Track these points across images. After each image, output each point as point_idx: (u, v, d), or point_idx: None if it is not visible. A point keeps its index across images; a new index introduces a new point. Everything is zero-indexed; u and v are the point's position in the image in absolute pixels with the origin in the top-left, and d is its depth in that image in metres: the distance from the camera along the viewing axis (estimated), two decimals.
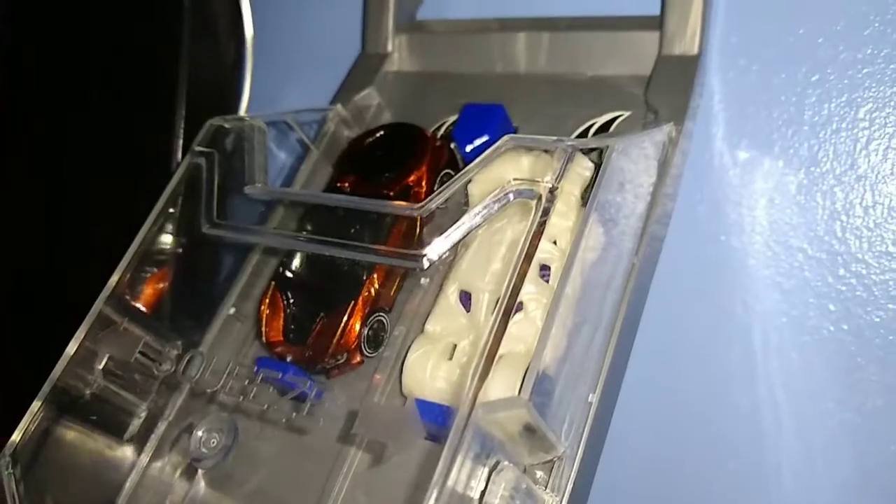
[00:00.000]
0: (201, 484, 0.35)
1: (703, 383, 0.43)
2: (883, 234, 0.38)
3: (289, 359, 0.37)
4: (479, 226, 0.30)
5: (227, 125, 0.38)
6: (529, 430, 0.26)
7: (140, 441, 0.38)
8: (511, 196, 0.29)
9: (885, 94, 0.38)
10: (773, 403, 0.41)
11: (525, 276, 0.28)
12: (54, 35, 0.49)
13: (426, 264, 0.29)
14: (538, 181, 0.29)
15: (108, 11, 0.47)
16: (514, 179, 0.29)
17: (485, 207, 0.29)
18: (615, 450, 0.35)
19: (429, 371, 0.33)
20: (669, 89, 0.38)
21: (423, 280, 0.39)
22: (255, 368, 0.33)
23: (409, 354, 0.34)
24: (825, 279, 0.40)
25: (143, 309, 0.38)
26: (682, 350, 0.43)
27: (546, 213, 0.28)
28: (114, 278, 0.36)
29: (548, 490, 0.29)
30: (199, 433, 0.33)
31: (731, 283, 0.42)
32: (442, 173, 0.41)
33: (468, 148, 0.41)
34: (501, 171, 0.34)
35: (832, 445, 0.40)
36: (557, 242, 0.34)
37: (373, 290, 0.37)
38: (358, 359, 0.36)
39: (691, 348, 0.43)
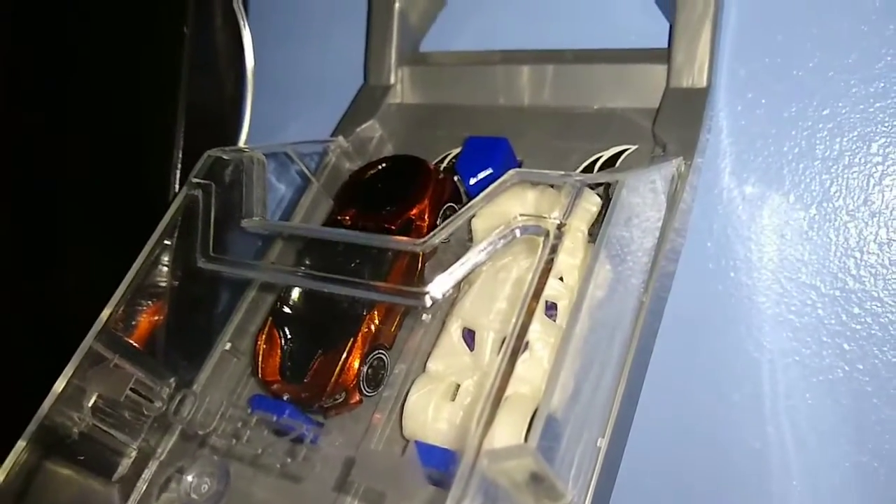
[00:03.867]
0: None
1: (712, 424, 0.41)
2: None
3: (285, 397, 0.35)
4: (483, 262, 0.29)
5: (225, 157, 0.37)
6: (536, 478, 0.25)
7: (129, 482, 0.36)
8: (518, 232, 0.28)
9: None
10: (784, 445, 0.40)
11: (533, 314, 0.27)
12: (54, 63, 0.48)
13: (429, 302, 0.28)
14: (545, 217, 0.28)
15: (109, 40, 0.47)
16: (521, 215, 0.28)
17: (490, 244, 0.28)
18: (624, 493, 0.33)
19: (430, 413, 0.32)
20: (678, 123, 0.38)
21: (424, 316, 0.38)
22: (250, 409, 0.32)
23: (410, 395, 0.33)
24: (839, 317, 0.39)
25: (136, 344, 0.37)
26: (691, 390, 0.42)
27: (554, 249, 0.27)
28: (105, 312, 0.35)
29: None
30: (190, 478, 0.32)
31: (742, 320, 0.41)
32: (445, 207, 0.40)
33: (472, 181, 0.40)
34: (506, 206, 0.33)
35: (845, 488, 0.38)
36: (564, 279, 0.33)
37: (373, 327, 0.36)
38: (357, 398, 0.35)
39: (700, 388, 0.41)
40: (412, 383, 0.34)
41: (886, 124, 0.37)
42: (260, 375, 0.37)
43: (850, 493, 0.38)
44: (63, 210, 0.47)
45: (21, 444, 0.32)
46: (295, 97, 0.52)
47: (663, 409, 0.41)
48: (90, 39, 0.47)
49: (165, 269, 0.39)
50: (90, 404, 0.34)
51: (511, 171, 0.30)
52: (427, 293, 0.28)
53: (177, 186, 0.44)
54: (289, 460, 0.30)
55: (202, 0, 0.45)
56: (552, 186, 0.36)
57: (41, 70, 0.49)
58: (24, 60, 0.48)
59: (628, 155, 0.39)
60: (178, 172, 0.44)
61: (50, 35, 0.48)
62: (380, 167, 0.42)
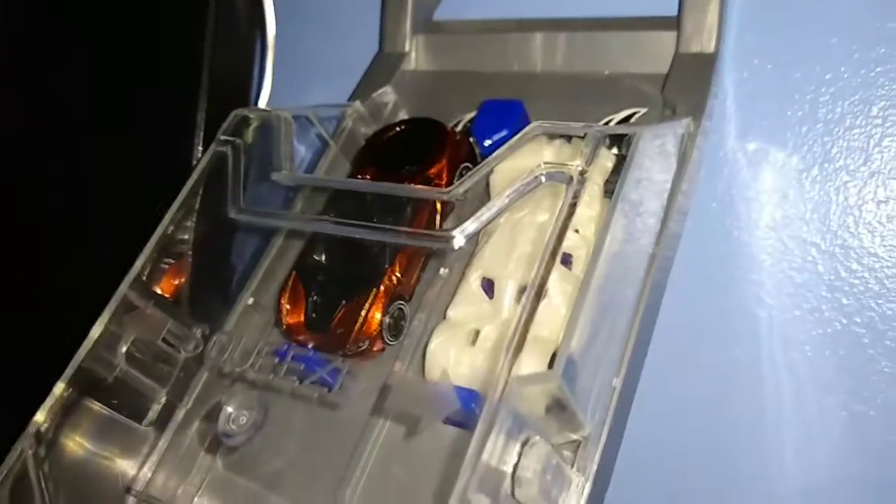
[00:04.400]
0: (223, 463, 0.35)
1: (716, 374, 0.43)
2: (895, 229, 0.39)
3: (310, 345, 0.37)
4: (507, 208, 0.30)
5: (251, 115, 0.38)
6: (560, 405, 0.27)
7: (160, 426, 0.38)
8: (542, 178, 0.30)
9: None
10: (785, 394, 0.41)
11: (555, 259, 0.28)
12: (78, 29, 0.49)
13: (457, 245, 0.30)
14: (569, 164, 0.29)
15: (132, 8, 0.48)
16: (545, 163, 0.30)
17: (515, 190, 0.30)
18: (632, 436, 0.35)
19: (452, 357, 0.34)
20: (687, 86, 0.39)
21: (441, 269, 0.39)
22: (285, 347, 0.33)
23: (431, 340, 0.34)
24: (838, 273, 0.40)
25: (166, 294, 0.38)
26: (696, 342, 0.43)
27: (576, 195, 0.29)
28: (138, 263, 0.36)
29: (574, 470, 0.29)
30: (229, 410, 0.33)
31: (745, 277, 0.42)
32: (461, 167, 0.41)
33: (487, 142, 0.42)
34: (524, 161, 0.35)
35: (844, 436, 0.40)
36: (580, 231, 0.34)
37: (394, 279, 0.37)
38: (379, 346, 0.37)
39: (705, 340, 0.43)
40: (433, 330, 0.35)
41: (886, 87, 0.39)
42: (285, 325, 0.38)
43: (845, 439, 0.40)
44: (89, 173, 0.48)
45: (60, 385, 0.33)
46: (312, 64, 0.54)
47: (669, 362, 0.43)
48: (117, 8, 0.48)
49: (190, 223, 0.40)
50: (123, 351, 0.36)
51: (534, 123, 0.31)
52: (454, 236, 0.30)
53: (200, 148, 0.46)
54: (325, 391, 0.32)
55: None
56: (569, 143, 0.37)
57: (68, 39, 0.50)
58: (45, 29, 0.49)
59: (639, 118, 0.41)
60: (202, 134, 0.45)
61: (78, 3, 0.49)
62: (398, 129, 0.43)
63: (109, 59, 0.48)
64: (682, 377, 0.44)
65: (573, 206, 0.28)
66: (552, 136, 0.36)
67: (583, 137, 0.30)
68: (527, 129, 0.31)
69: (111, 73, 0.48)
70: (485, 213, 0.30)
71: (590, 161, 0.29)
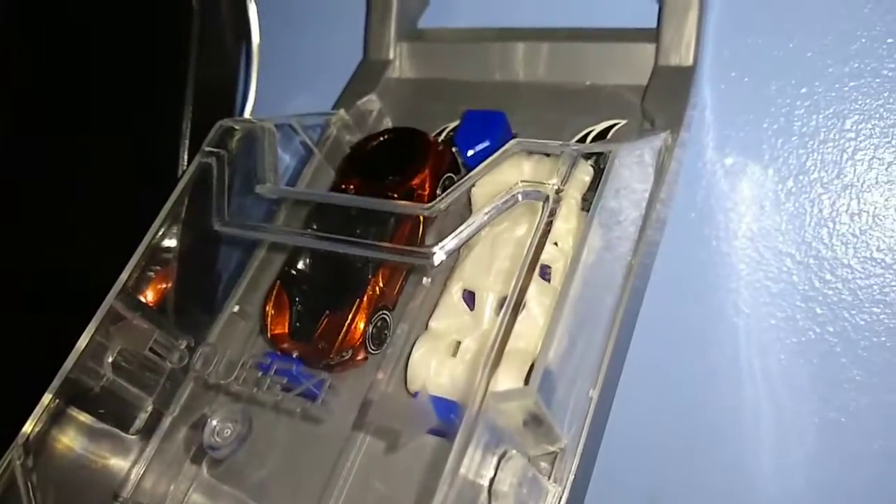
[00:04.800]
0: (209, 472, 0.36)
1: (693, 382, 0.44)
2: (868, 241, 0.40)
3: (294, 354, 0.37)
4: (486, 224, 0.31)
5: (236, 126, 0.39)
6: (536, 420, 0.27)
7: (146, 434, 0.38)
8: (520, 196, 0.30)
9: (871, 107, 0.40)
10: (761, 401, 0.42)
11: (532, 274, 0.29)
12: (61, 36, 0.50)
13: (437, 261, 0.30)
14: (545, 183, 0.30)
15: (119, 15, 0.48)
16: (522, 182, 0.31)
17: (494, 207, 0.31)
18: (611, 442, 0.36)
19: (433, 367, 0.34)
20: (665, 99, 0.40)
21: (424, 280, 0.40)
22: (269, 360, 0.34)
23: (414, 351, 0.35)
24: (812, 283, 0.41)
25: (151, 304, 0.39)
26: (675, 350, 0.44)
27: (553, 213, 0.29)
28: (124, 274, 0.37)
29: (551, 481, 0.30)
30: (214, 423, 0.34)
31: (722, 286, 0.43)
32: (444, 177, 0.42)
33: (469, 153, 0.42)
34: (504, 175, 0.35)
35: (817, 442, 0.41)
36: (558, 244, 0.35)
37: (377, 289, 0.38)
38: (362, 355, 0.37)
39: (683, 348, 0.44)
40: (415, 341, 0.36)
41: (859, 102, 0.40)
42: (269, 334, 0.39)
43: (818, 445, 0.41)
44: (74, 180, 0.49)
45: (47, 396, 0.34)
46: (297, 71, 0.54)
47: (647, 369, 0.44)
48: (101, 15, 0.48)
49: (175, 234, 0.40)
50: (110, 360, 0.36)
51: (513, 141, 0.32)
52: (435, 252, 0.30)
53: (185, 156, 0.46)
54: (309, 404, 0.33)
55: None
56: (548, 156, 0.38)
57: (46, 44, 0.50)
58: (28, 35, 0.49)
59: (618, 129, 0.42)
60: (188, 143, 0.46)
61: (56, 9, 0.49)
62: (381, 139, 0.43)
63: (94, 67, 0.49)
64: (660, 382, 0.45)
65: (549, 223, 0.29)
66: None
67: (559, 155, 0.31)
68: (506, 146, 0.32)
69: (96, 81, 0.49)
70: (464, 231, 0.30)
71: (565, 180, 0.30)
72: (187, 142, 0.46)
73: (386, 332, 0.38)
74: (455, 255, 0.37)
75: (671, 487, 0.45)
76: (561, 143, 0.31)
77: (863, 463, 0.41)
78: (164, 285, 0.41)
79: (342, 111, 0.47)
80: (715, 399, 0.44)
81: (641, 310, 0.38)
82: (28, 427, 0.33)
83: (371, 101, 0.48)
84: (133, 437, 0.38)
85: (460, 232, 0.30)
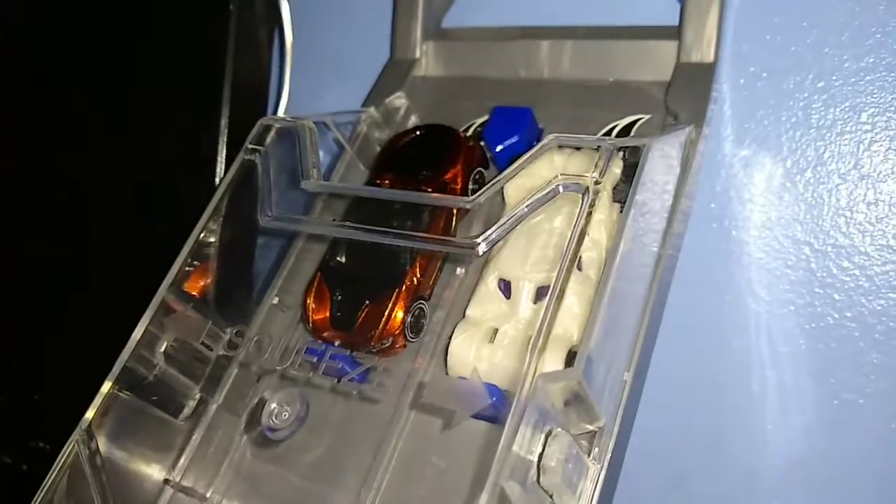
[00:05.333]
0: (252, 455, 0.38)
1: (717, 367, 0.46)
2: (884, 229, 0.41)
3: (336, 343, 0.39)
4: (527, 216, 0.32)
5: (277, 124, 0.40)
6: (579, 399, 0.29)
7: (194, 421, 0.40)
8: (560, 189, 0.32)
9: (886, 100, 0.41)
10: (782, 385, 0.44)
11: (574, 263, 0.31)
12: (103, 36, 0.51)
13: (481, 251, 0.32)
14: (584, 176, 0.32)
15: (161, 18, 0.50)
16: (562, 175, 0.32)
17: (535, 199, 0.32)
18: (638, 426, 0.37)
19: (472, 353, 0.36)
20: (688, 94, 0.41)
21: (458, 270, 0.41)
22: (323, 347, 0.35)
23: (453, 338, 0.37)
24: (830, 270, 0.43)
25: (197, 296, 0.41)
26: (698, 336, 0.46)
27: (592, 204, 0.31)
28: (174, 268, 0.38)
29: (591, 458, 0.31)
30: (273, 406, 0.36)
31: (742, 274, 0.45)
32: (475, 171, 0.43)
33: (498, 148, 0.44)
34: (535, 169, 0.37)
35: (837, 423, 0.43)
36: (590, 234, 0.37)
37: (415, 280, 0.39)
38: (401, 343, 0.39)
39: (707, 334, 0.46)
40: (453, 329, 0.37)
41: (875, 95, 0.41)
42: (311, 323, 0.40)
43: (838, 426, 0.43)
44: (120, 177, 0.50)
45: (107, 384, 0.36)
46: (327, 69, 0.56)
47: (671, 357, 0.45)
48: (143, 18, 0.50)
49: (217, 228, 0.42)
50: (162, 350, 0.38)
51: (550, 136, 0.33)
52: (479, 244, 0.32)
53: (224, 153, 0.48)
54: (364, 387, 0.34)
55: None
56: (577, 150, 0.39)
57: (91, 46, 0.52)
58: (80, 37, 0.51)
59: (642, 124, 0.43)
60: (226, 140, 0.48)
61: (97, 10, 0.51)
62: (414, 135, 0.45)
63: (136, 68, 0.50)
64: (684, 368, 0.46)
65: (589, 215, 0.31)
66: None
67: (596, 149, 0.32)
68: (543, 141, 0.33)
69: (139, 81, 0.50)
70: (507, 222, 0.32)
71: (604, 172, 0.31)
72: (225, 139, 0.47)
73: (423, 320, 0.40)
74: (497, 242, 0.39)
75: (695, 469, 0.47)
76: (597, 137, 0.32)
77: (881, 443, 0.42)
78: (205, 276, 0.42)
79: (372, 109, 0.49)
80: (737, 384, 0.45)
81: (669, 298, 0.39)
82: (90, 413, 0.35)
83: (399, 99, 0.50)
84: (182, 423, 0.40)
85: (503, 223, 0.32)
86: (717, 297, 0.45)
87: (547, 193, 0.32)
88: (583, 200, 0.31)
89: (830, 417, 0.43)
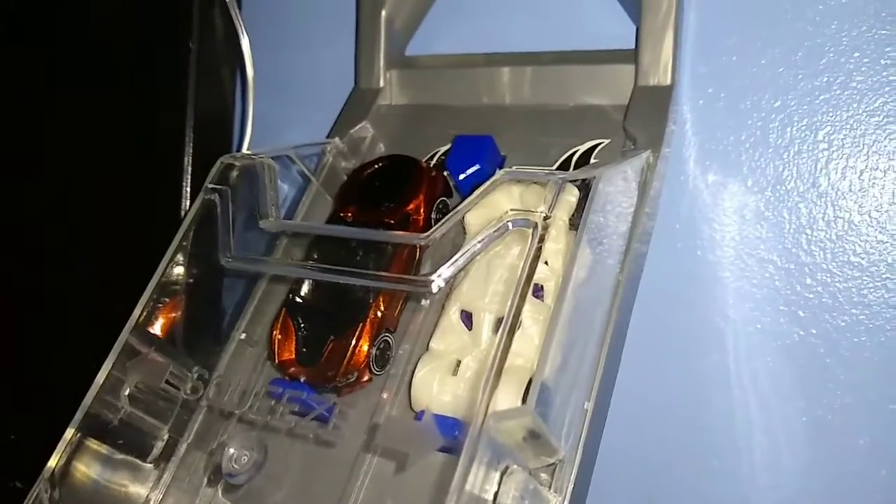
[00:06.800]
0: (224, 495, 0.38)
1: (684, 387, 0.46)
2: (845, 246, 0.42)
3: (302, 379, 0.39)
4: (479, 252, 0.33)
5: (237, 163, 0.41)
6: (534, 435, 0.29)
7: (163, 462, 0.40)
8: (510, 225, 0.32)
9: (842, 118, 0.42)
10: (750, 404, 0.44)
11: (525, 297, 0.31)
12: (63, 75, 0.51)
13: (435, 289, 0.32)
14: (533, 211, 0.32)
15: (122, 58, 0.50)
16: (511, 210, 0.32)
17: (486, 236, 0.32)
18: (607, 451, 0.37)
19: (436, 386, 0.36)
20: (646, 118, 0.42)
21: (424, 302, 0.41)
22: (280, 390, 0.35)
23: (416, 371, 0.37)
24: (794, 288, 0.43)
25: (162, 337, 0.41)
26: (665, 357, 0.46)
27: (541, 239, 0.31)
28: (137, 310, 0.38)
29: (551, 491, 0.31)
30: (231, 451, 0.36)
31: (708, 294, 0.45)
32: (438, 201, 0.44)
33: (461, 176, 0.44)
34: (495, 199, 0.37)
35: (806, 440, 0.43)
36: (549, 263, 0.37)
37: (379, 313, 0.40)
38: (367, 377, 0.39)
39: (673, 355, 0.46)
40: (417, 361, 0.38)
41: (830, 114, 0.42)
42: (277, 360, 0.40)
43: (807, 443, 0.43)
44: (82, 215, 0.50)
45: (70, 431, 0.36)
46: (293, 99, 0.56)
47: (640, 377, 0.46)
48: (107, 58, 0.50)
49: (181, 267, 0.42)
50: (126, 393, 0.38)
51: (500, 172, 0.34)
52: (433, 281, 0.32)
53: (188, 190, 0.48)
54: (321, 430, 0.34)
55: (204, 15, 0.49)
56: (536, 182, 0.40)
57: (49, 86, 0.52)
58: (41, 75, 0.51)
59: (602, 148, 0.43)
60: (189, 177, 0.48)
61: (55, 50, 0.51)
62: (376, 166, 0.45)
63: (96, 103, 0.50)
64: (653, 389, 0.46)
65: (539, 249, 0.31)
66: None
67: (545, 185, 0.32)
68: (494, 177, 0.34)
69: (98, 116, 0.50)
70: (459, 259, 0.32)
71: (552, 207, 0.32)
72: (189, 176, 0.48)
73: (389, 353, 0.40)
74: (453, 277, 0.39)
75: (668, 491, 0.47)
76: (547, 171, 0.33)
77: (850, 458, 0.42)
78: (173, 316, 0.42)
79: (337, 139, 0.49)
80: (706, 403, 0.45)
81: (634, 320, 0.40)
82: (53, 461, 0.35)
83: (364, 129, 0.50)
84: (150, 465, 0.40)
85: (456, 260, 0.32)
86: (683, 316, 0.46)
87: (497, 230, 0.32)
88: (532, 235, 0.31)
89: (800, 435, 0.43)
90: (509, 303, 0.31)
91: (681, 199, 0.45)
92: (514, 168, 0.44)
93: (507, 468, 0.28)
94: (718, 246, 0.45)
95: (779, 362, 0.43)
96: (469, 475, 0.27)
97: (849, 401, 0.42)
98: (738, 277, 0.44)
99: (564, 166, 0.43)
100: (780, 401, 0.43)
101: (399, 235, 0.37)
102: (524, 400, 0.31)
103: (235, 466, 0.36)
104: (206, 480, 0.39)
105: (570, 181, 0.35)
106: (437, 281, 0.32)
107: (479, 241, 0.32)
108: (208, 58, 0.50)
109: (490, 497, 0.28)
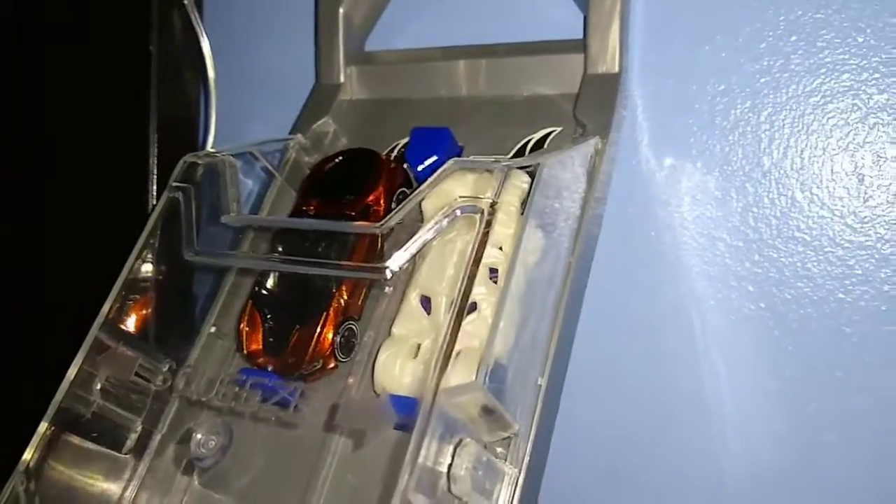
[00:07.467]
0: (199, 482, 0.39)
1: (646, 363, 0.47)
2: (788, 222, 0.43)
3: (270, 368, 0.40)
4: (432, 239, 0.34)
5: (199, 161, 0.42)
6: (487, 410, 0.31)
7: (138, 452, 0.41)
8: (458, 212, 0.34)
9: (782, 100, 0.43)
10: (712, 375, 0.46)
11: (474, 279, 0.32)
12: (25, 83, 0.52)
13: (389, 275, 0.34)
14: (480, 198, 0.33)
15: (84, 65, 0.51)
16: (460, 197, 0.34)
17: (436, 223, 0.34)
18: (569, 425, 0.39)
19: (397, 369, 0.38)
20: (594, 105, 0.43)
21: (387, 289, 0.43)
22: (244, 377, 0.37)
23: (378, 356, 0.38)
24: (743, 264, 0.45)
25: (132, 332, 0.42)
26: (627, 335, 0.48)
27: (488, 224, 0.33)
28: (106, 306, 0.39)
29: (507, 463, 0.33)
30: (199, 436, 0.37)
31: (664, 273, 0.47)
32: (398, 192, 0.45)
33: (420, 168, 0.45)
34: (450, 187, 0.39)
35: (764, 408, 0.45)
36: (503, 248, 0.38)
37: (342, 301, 0.41)
38: (333, 364, 0.40)
39: (634, 333, 0.47)
40: (380, 347, 0.39)
41: (770, 96, 0.43)
42: (245, 351, 0.42)
43: (763, 412, 0.45)
44: (53, 217, 0.51)
45: (43, 425, 0.37)
46: (255, 97, 0.57)
47: (603, 360, 0.47)
48: (68, 65, 0.51)
49: (150, 264, 0.43)
50: (98, 387, 0.39)
51: (450, 161, 0.35)
52: (387, 267, 0.34)
53: (154, 190, 0.49)
54: (282, 413, 0.36)
55: (164, 18, 0.50)
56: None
57: (23, 97, 0.53)
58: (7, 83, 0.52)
59: (555, 136, 0.45)
60: (155, 177, 0.49)
61: (16, 58, 0.52)
62: (337, 160, 0.46)
63: (58, 112, 0.51)
64: (615, 364, 0.48)
65: (486, 234, 0.32)
66: None
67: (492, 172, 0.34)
68: (444, 166, 0.35)
69: (67, 124, 0.51)
70: (412, 245, 0.34)
71: (498, 193, 0.33)
72: (155, 176, 0.49)
73: (353, 340, 0.41)
74: (412, 264, 0.40)
75: (631, 465, 0.49)
76: (493, 160, 0.34)
77: (801, 426, 0.44)
78: (143, 312, 0.43)
79: (299, 135, 0.50)
80: (668, 378, 0.47)
81: (591, 299, 0.41)
82: (28, 455, 0.36)
83: (326, 124, 0.51)
84: (126, 456, 0.41)
85: (408, 247, 0.34)
86: (642, 295, 0.47)
87: (447, 215, 0.34)
88: (480, 221, 0.33)
89: (759, 402, 0.45)
90: (458, 286, 0.32)
91: (634, 183, 0.47)
92: (470, 157, 0.46)
93: (460, 441, 0.30)
94: (672, 227, 0.46)
95: (734, 336, 0.45)
96: (422, 449, 0.28)
97: (798, 371, 0.44)
98: (692, 256, 0.46)
99: (519, 154, 0.45)
100: (735, 373, 0.45)
101: (356, 226, 0.38)
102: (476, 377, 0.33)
103: (203, 451, 0.37)
104: (180, 469, 0.41)
105: (519, 168, 0.37)
106: (391, 267, 0.34)
107: (430, 229, 0.34)
108: (170, 60, 0.51)
109: (444, 469, 0.29)
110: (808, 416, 0.44)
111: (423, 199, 0.39)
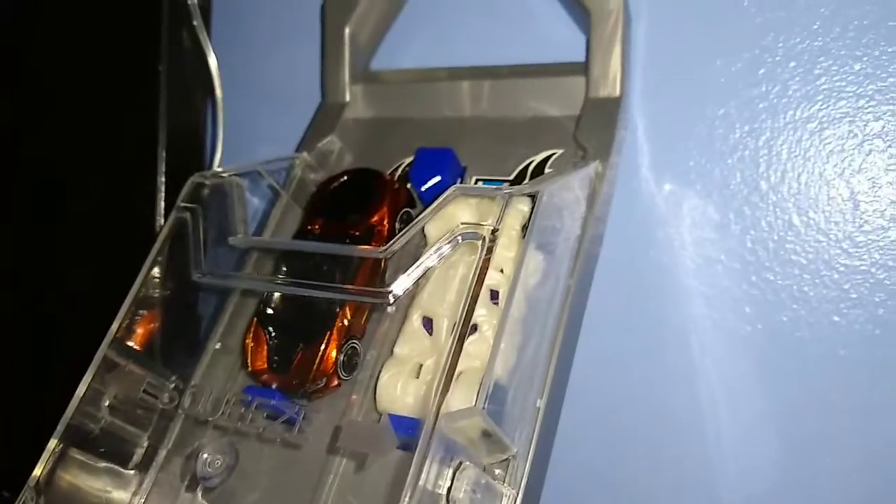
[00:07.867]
0: (203, 499, 0.40)
1: (643, 383, 0.48)
2: (785, 246, 0.44)
3: (274, 386, 0.41)
4: (433, 265, 0.35)
5: (206, 182, 0.43)
6: (486, 434, 0.31)
7: (144, 468, 0.42)
8: (459, 239, 0.34)
9: (780, 125, 0.44)
10: (709, 396, 0.46)
11: (475, 302, 0.33)
12: (35, 102, 0.53)
13: (392, 300, 0.34)
14: (482, 224, 0.34)
15: (93, 83, 0.52)
16: (462, 224, 0.35)
17: (438, 249, 0.35)
18: (568, 448, 0.40)
19: (399, 389, 0.38)
20: (595, 128, 0.44)
21: (389, 309, 0.43)
22: (249, 397, 0.38)
23: (381, 376, 0.39)
24: (740, 286, 0.45)
25: (139, 350, 0.43)
26: (624, 355, 0.48)
27: (490, 250, 0.33)
28: (115, 324, 0.40)
29: (506, 485, 0.34)
30: (205, 455, 0.38)
31: (662, 293, 0.47)
32: (402, 212, 0.46)
33: (423, 188, 0.46)
34: (453, 211, 0.39)
35: (761, 429, 0.45)
36: (504, 270, 0.39)
37: (345, 321, 0.42)
38: (336, 382, 0.41)
39: (632, 353, 0.48)
40: (382, 366, 0.40)
41: (769, 121, 0.44)
42: (250, 369, 0.42)
43: (768, 434, 0.45)
44: (62, 235, 0.52)
45: (53, 441, 0.38)
46: (262, 113, 0.58)
47: (603, 377, 0.48)
48: (77, 83, 0.52)
49: (157, 282, 0.44)
50: (106, 404, 0.40)
51: (453, 188, 0.36)
52: (390, 292, 0.34)
53: (162, 207, 0.50)
54: (287, 434, 0.37)
55: (173, 37, 0.51)
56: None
57: (30, 115, 0.54)
58: (11, 105, 0.53)
59: (557, 157, 0.46)
60: (163, 194, 0.50)
61: (37, 80, 0.53)
62: (341, 180, 0.47)
63: (74, 131, 0.52)
64: (613, 385, 0.49)
65: (487, 260, 0.33)
66: None
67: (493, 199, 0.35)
68: (447, 193, 0.36)
69: (77, 144, 0.52)
70: (414, 271, 0.34)
71: (499, 220, 0.34)
72: (163, 195, 0.50)
73: (356, 359, 0.42)
74: (414, 286, 0.41)
75: (629, 485, 0.49)
76: (494, 187, 0.35)
77: (797, 448, 0.45)
78: (150, 330, 0.44)
79: (305, 154, 0.51)
80: (665, 398, 0.47)
81: (590, 319, 0.42)
82: (37, 470, 0.37)
83: (332, 142, 0.52)
84: (132, 471, 0.42)
85: (411, 272, 0.34)
86: (640, 315, 0.48)
87: (449, 242, 0.34)
88: (481, 247, 0.33)
89: (751, 425, 0.46)
90: (461, 309, 0.33)
91: (634, 204, 0.48)
92: (473, 178, 0.47)
93: (459, 464, 0.31)
94: (670, 248, 0.47)
95: (730, 356, 0.46)
96: (423, 472, 0.29)
97: (795, 392, 0.44)
98: (690, 277, 0.47)
99: (521, 176, 0.45)
100: (733, 393, 0.46)
101: (360, 249, 0.39)
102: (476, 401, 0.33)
103: (209, 470, 0.38)
104: (185, 485, 0.41)
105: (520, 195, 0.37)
106: (395, 292, 0.35)
107: (433, 254, 0.35)
108: (178, 78, 0.52)
109: (444, 492, 0.30)
110: (804, 438, 0.45)
111: (425, 224, 0.39)
